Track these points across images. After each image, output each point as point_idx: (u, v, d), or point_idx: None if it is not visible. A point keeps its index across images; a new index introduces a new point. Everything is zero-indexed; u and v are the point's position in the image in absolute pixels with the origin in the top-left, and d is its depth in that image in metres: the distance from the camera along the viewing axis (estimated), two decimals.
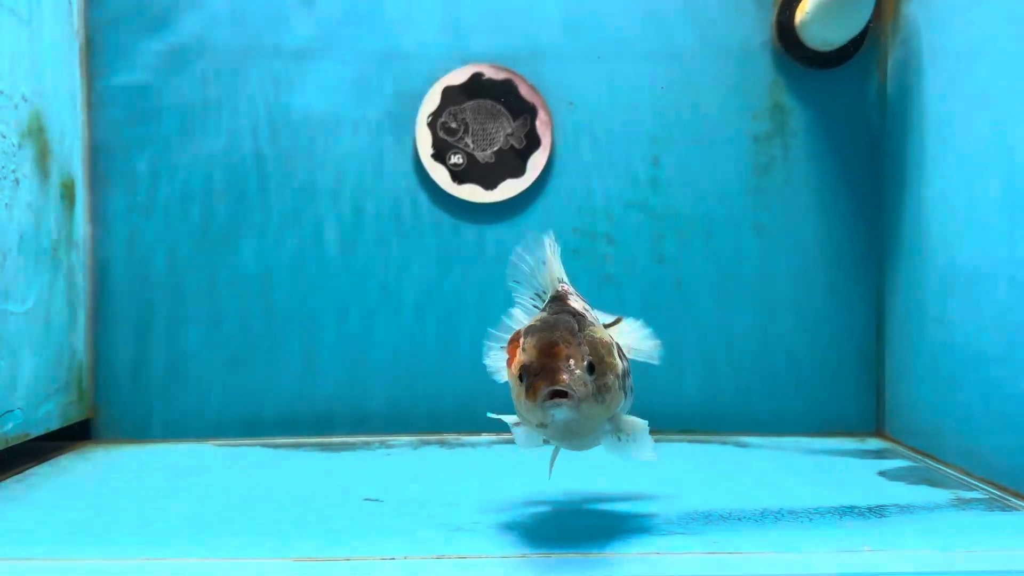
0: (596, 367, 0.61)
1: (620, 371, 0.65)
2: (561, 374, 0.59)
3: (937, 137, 1.01)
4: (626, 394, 0.67)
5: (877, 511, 0.79)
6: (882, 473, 0.94)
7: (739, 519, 0.76)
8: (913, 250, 1.06)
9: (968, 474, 0.91)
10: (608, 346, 0.64)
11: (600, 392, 0.61)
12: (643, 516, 0.77)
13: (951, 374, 0.96)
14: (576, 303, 0.68)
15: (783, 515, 0.77)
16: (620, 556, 0.66)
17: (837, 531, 0.73)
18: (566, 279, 0.71)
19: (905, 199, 1.08)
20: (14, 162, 0.94)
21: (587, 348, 0.61)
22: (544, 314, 0.65)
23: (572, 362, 0.60)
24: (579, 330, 0.62)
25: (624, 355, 0.69)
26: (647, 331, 0.75)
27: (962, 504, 0.81)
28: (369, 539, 0.70)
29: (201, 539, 0.71)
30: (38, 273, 0.99)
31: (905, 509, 0.80)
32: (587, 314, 0.67)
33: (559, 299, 0.67)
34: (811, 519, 0.76)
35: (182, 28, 1.12)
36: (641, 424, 0.67)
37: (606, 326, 0.72)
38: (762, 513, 0.77)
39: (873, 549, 0.68)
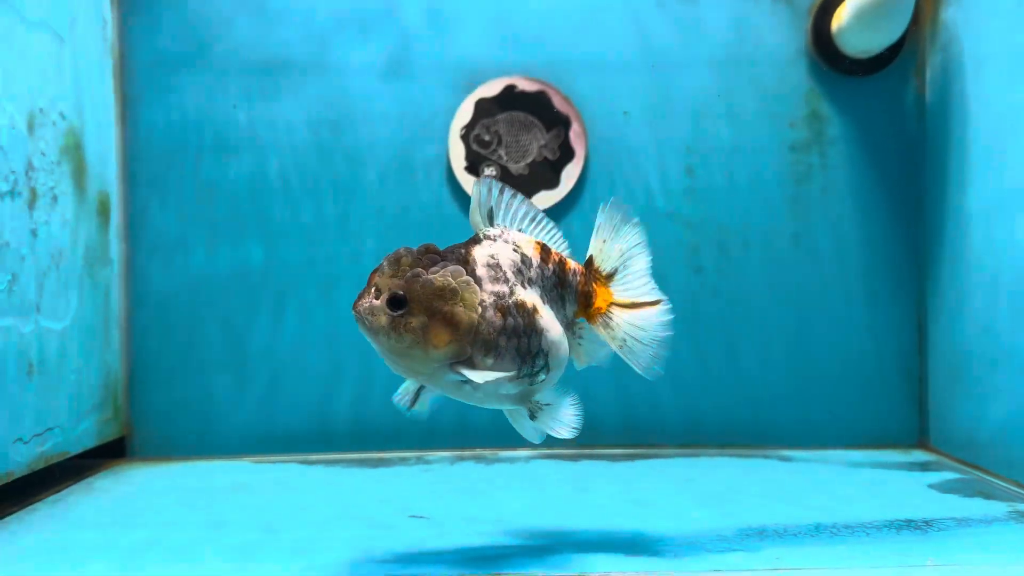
0: (408, 304, 0.61)
1: (464, 321, 0.61)
2: (361, 300, 0.62)
3: (979, 143, 1.00)
4: (500, 353, 0.63)
5: (934, 525, 0.77)
6: (932, 486, 0.92)
7: (795, 534, 0.74)
8: (956, 258, 1.04)
9: (1022, 487, 0.89)
10: (442, 291, 0.61)
11: (402, 330, 0.61)
12: (697, 532, 0.75)
13: (1000, 384, 0.95)
14: (482, 250, 0.65)
15: (839, 530, 0.76)
16: (681, 575, 0.64)
17: (896, 545, 0.71)
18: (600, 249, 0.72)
19: (947, 207, 1.06)
20: (53, 179, 0.93)
21: (402, 283, 0.61)
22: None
23: (374, 291, 0.62)
24: (409, 266, 0.62)
25: (516, 312, 0.64)
26: (665, 331, 0.72)
27: (1021, 517, 0.79)
28: (421, 557, 0.69)
29: (241, 558, 0.70)
30: (75, 290, 0.99)
31: (962, 522, 0.78)
32: (478, 261, 0.64)
33: (470, 241, 0.66)
34: (867, 533, 0.74)
35: (216, 44, 1.12)
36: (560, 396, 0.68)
37: (636, 304, 0.72)
38: (817, 527, 0.76)
39: (937, 563, 0.66)
